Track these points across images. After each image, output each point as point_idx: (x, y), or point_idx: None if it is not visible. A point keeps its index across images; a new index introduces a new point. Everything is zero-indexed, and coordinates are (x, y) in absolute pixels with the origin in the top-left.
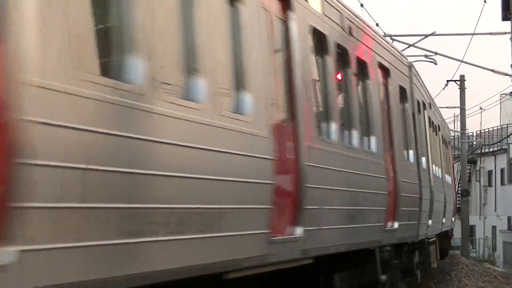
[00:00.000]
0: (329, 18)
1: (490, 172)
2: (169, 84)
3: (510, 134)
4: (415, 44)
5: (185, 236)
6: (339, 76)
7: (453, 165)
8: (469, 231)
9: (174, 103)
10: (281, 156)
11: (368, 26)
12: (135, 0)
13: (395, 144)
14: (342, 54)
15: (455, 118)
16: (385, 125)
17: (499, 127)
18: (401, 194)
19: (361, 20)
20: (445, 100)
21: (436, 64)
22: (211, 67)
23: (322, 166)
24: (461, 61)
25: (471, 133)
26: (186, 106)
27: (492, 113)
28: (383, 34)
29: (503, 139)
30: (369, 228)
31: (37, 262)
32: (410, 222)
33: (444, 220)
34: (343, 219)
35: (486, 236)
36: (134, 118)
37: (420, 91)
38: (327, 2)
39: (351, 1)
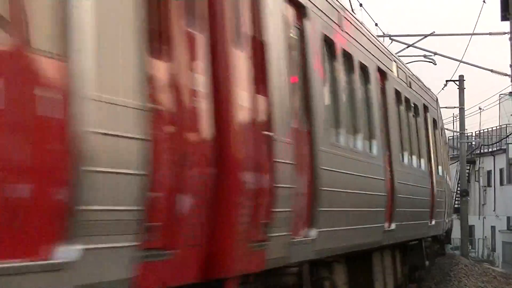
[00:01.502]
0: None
1: (489, 172)
2: None
3: (509, 135)
4: (414, 44)
5: None
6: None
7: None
8: (468, 231)
9: None
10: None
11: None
12: None
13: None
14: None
15: (454, 118)
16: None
17: (498, 127)
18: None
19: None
20: (444, 100)
21: (435, 64)
22: None
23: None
24: (460, 61)
25: (470, 133)
26: None
27: (491, 113)
28: (382, 34)
29: (502, 139)
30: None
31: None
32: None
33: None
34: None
35: (486, 236)
36: None
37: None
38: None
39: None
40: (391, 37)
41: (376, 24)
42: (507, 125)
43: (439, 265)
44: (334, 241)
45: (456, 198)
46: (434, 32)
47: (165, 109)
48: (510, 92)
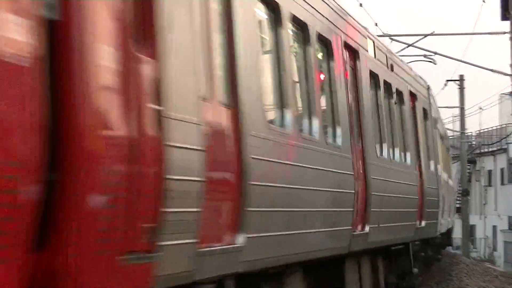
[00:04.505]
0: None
1: (490, 172)
2: None
3: (510, 134)
4: (414, 44)
5: None
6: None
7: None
8: (469, 231)
9: None
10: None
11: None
12: None
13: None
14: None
15: (454, 118)
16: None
17: (498, 127)
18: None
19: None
20: (444, 100)
21: (436, 64)
22: None
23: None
24: (461, 61)
25: (471, 133)
26: None
27: (491, 113)
28: (382, 34)
29: (502, 139)
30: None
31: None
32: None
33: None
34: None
35: (487, 236)
36: None
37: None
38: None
39: (350, 1)
40: (391, 37)
41: (376, 24)
42: (507, 124)
43: (440, 265)
44: (273, 249)
45: (457, 198)
46: (434, 32)
47: None
48: (510, 92)
